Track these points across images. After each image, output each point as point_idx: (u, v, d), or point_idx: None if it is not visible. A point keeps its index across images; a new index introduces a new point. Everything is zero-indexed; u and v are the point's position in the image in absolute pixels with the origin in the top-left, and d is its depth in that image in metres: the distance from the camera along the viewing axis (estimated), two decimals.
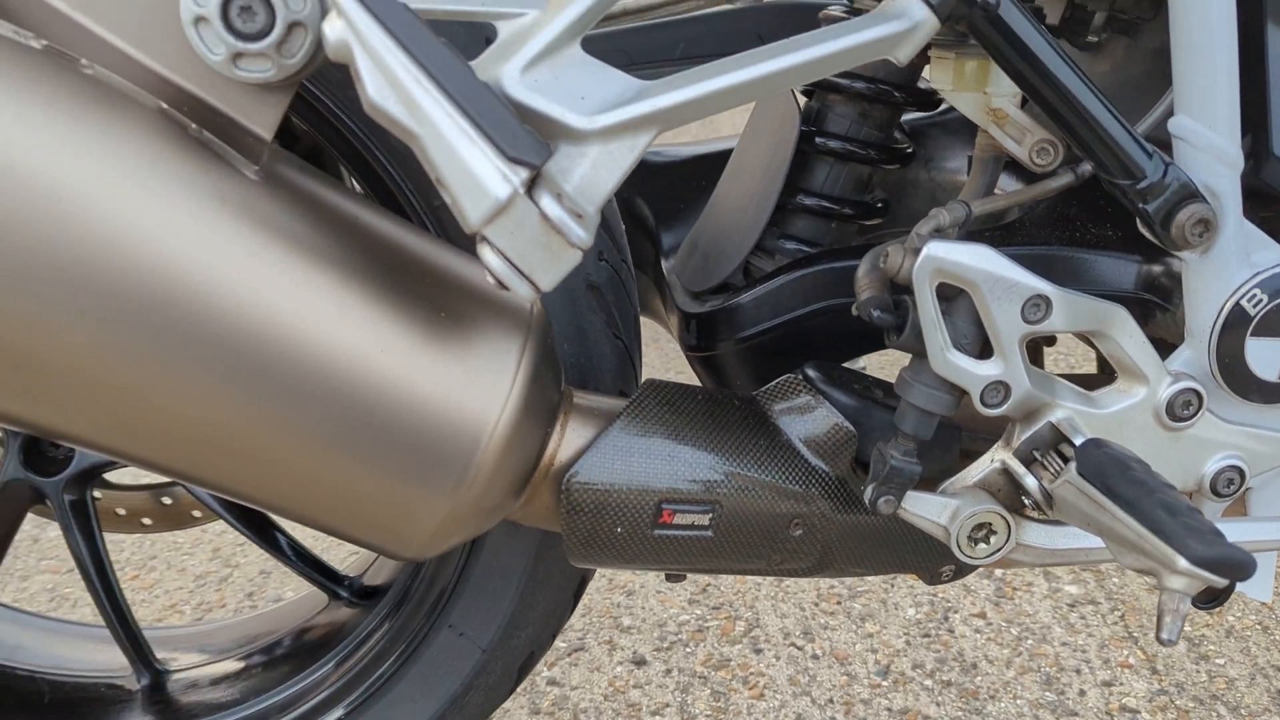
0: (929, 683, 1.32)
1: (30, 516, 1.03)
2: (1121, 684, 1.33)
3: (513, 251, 0.57)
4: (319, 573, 1.07)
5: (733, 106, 0.63)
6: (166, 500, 1.13)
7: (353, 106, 0.79)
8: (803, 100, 0.98)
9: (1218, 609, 1.18)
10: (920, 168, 1.02)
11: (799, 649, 1.37)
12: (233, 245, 0.58)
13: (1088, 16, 0.87)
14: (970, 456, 0.82)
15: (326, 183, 0.67)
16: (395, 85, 0.55)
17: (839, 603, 1.46)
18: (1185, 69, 0.70)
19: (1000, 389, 0.71)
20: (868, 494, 0.75)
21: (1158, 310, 0.82)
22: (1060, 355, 2.04)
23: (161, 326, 0.57)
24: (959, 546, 0.76)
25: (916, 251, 0.68)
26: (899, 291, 0.72)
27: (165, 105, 0.59)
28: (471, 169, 0.55)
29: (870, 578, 1.51)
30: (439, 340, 0.63)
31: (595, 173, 0.60)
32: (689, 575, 0.78)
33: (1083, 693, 1.31)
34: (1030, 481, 0.74)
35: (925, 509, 0.75)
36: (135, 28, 0.58)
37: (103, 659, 1.09)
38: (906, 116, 1.02)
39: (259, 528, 1.07)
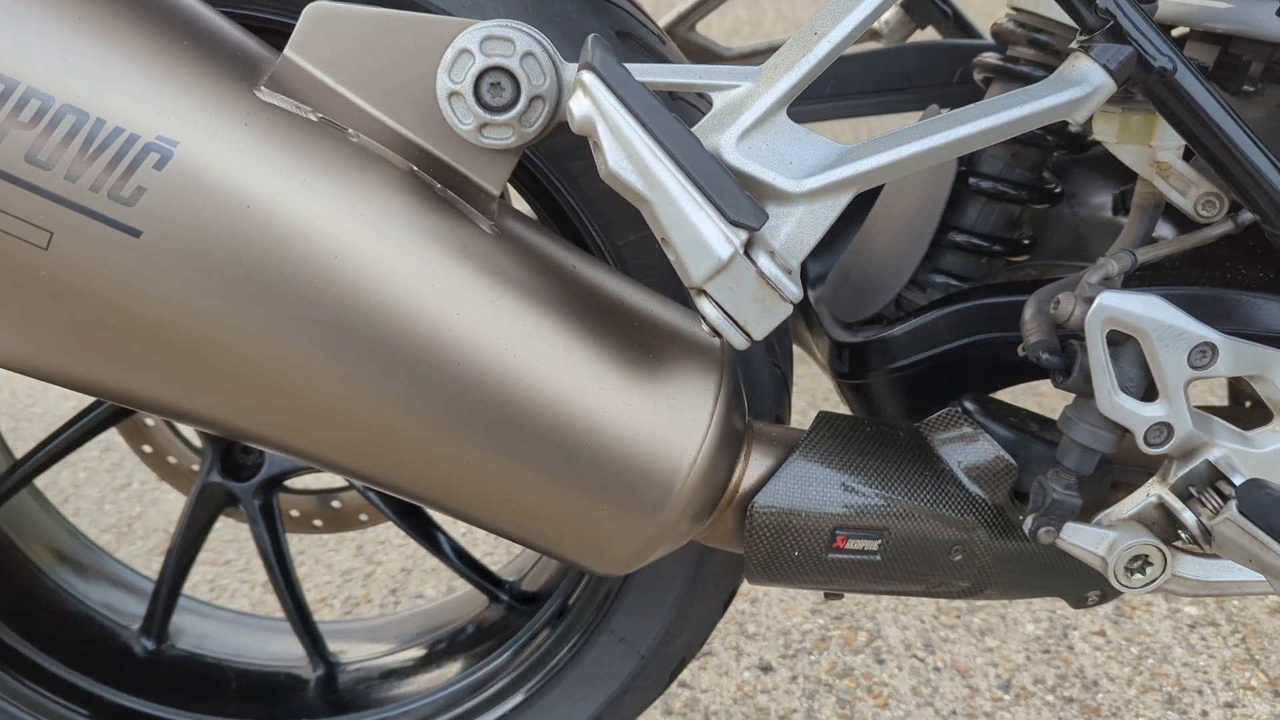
0: (1050, 698, 1.35)
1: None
2: (1244, 706, 1.35)
3: (730, 305, 0.63)
4: (479, 575, 1.15)
5: (924, 167, 0.68)
6: (336, 504, 1.22)
7: (545, 155, 0.85)
8: None
9: None
10: (1063, 204, 1.05)
11: (920, 660, 1.41)
12: (476, 295, 0.65)
13: (1243, 65, 0.89)
14: (1119, 488, 0.86)
15: (546, 233, 0.73)
16: (632, 156, 0.61)
17: (958, 616, 1.49)
18: None
19: (1164, 429, 0.75)
20: (1028, 524, 0.79)
21: None
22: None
23: (415, 367, 0.64)
24: (1116, 577, 0.80)
25: (1089, 300, 0.72)
26: (1066, 335, 0.77)
27: (415, 167, 0.67)
28: (697, 231, 0.61)
29: None
30: (648, 379, 0.69)
31: (800, 231, 0.65)
32: (761, 578, 0.83)
33: (1205, 713, 1.33)
34: (1188, 517, 0.77)
35: (1084, 540, 0.79)
36: (393, 101, 0.66)
37: (280, 649, 1.18)
38: None
39: (423, 531, 1.16)
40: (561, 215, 0.89)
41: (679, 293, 0.87)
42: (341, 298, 0.62)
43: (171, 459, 1.18)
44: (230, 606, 1.39)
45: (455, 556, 1.16)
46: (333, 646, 1.16)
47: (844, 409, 1.05)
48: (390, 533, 1.65)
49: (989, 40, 1.16)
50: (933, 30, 1.24)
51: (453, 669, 1.11)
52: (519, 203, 0.93)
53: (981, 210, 0.99)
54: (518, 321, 0.66)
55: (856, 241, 1.08)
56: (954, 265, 1.00)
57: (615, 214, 0.86)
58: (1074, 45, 0.71)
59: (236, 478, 1.11)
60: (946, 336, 0.95)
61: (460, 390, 0.65)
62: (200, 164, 0.59)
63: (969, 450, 0.83)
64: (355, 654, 1.17)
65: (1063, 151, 1.01)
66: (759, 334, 0.63)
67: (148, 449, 1.17)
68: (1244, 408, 1.10)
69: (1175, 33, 0.95)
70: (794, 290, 0.63)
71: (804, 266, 1.16)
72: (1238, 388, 1.09)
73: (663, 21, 1.26)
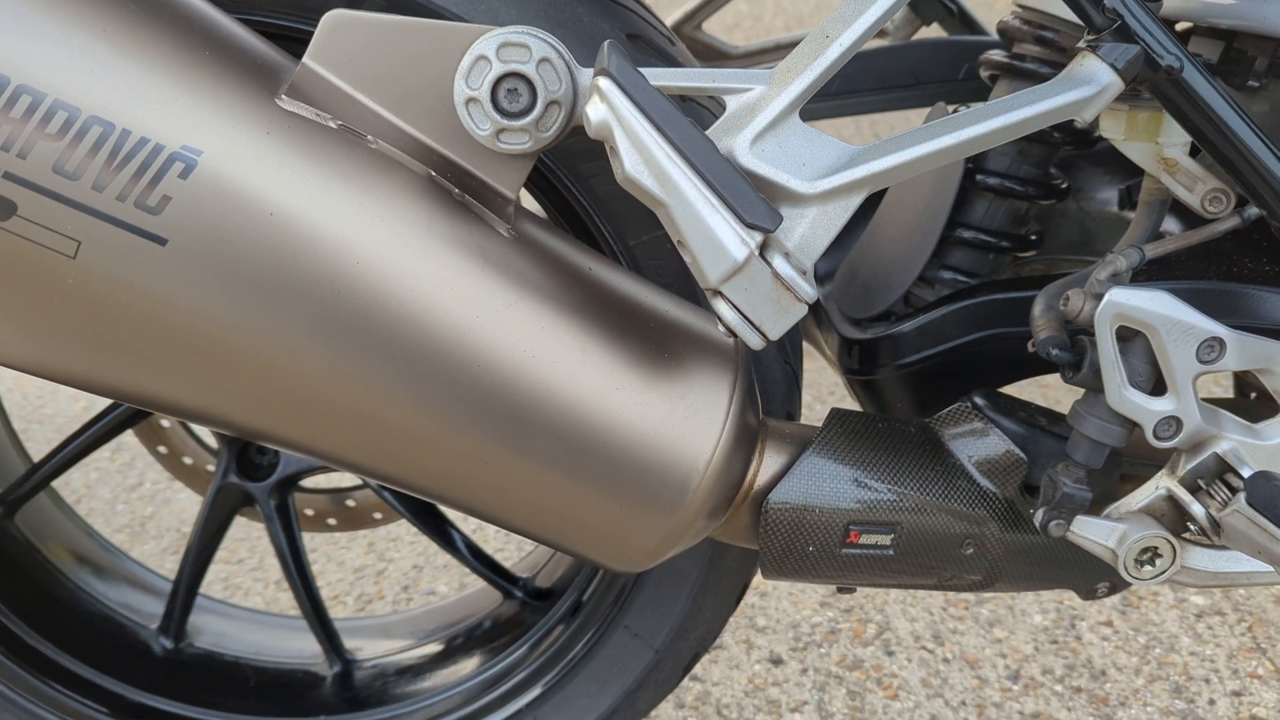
0: (1059, 688, 1.36)
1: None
2: (1251, 694, 1.36)
3: (746, 306, 0.64)
4: (494, 572, 1.16)
5: (934, 167, 0.69)
6: (350, 503, 1.23)
7: (558, 157, 0.86)
8: None
9: None
10: (1069, 199, 1.06)
11: (930, 652, 1.42)
12: (494, 298, 0.66)
13: (1248, 60, 0.90)
14: (1127, 481, 0.87)
15: (562, 235, 0.74)
16: (649, 161, 0.62)
17: (967, 608, 1.50)
18: None
19: (1173, 423, 0.76)
20: (1038, 517, 0.80)
21: None
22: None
23: (436, 369, 0.65)
24: (1126, 569, 0.81)
25: (1098, 297, 0.73)
26: (1075, 331, 0.77)
27: (433, 173, 0.68)
28: (713, 233, 0.62)
29: None
30: (664, 379, 0.70)
31: (814, 232, 0.66)
32: (775, 573, 0.84)
33: (1212, 702, 1.35)
34: (1197, 509, 0.78)
35: (1094, 532, 0.80)
36: (410, 107, 0.67)
37: (297, 646, 1.19)
38: None
39: (437, 528, 1.17)
40: (574, 216, 0.90)
41: (691, 292, 0.89)
42: (363, 302, 0.63)
43: (187, 459, 1.19)
44: (245, 605, 1.41)
45: (469, 553, 1.17)
46: (349, 643, 1.17)
47: (851, 404, 1.06)
48: (402, 530, 1.67)
49: (994, 37, 1.17)
50: (938, 27, 1.25)
51: (468, 665, 1.12)
52: (531, 204, 0.94)
53: (989, 206, 1.00)
54: (536, 324, 0.67)
55: (865, 238, 1.09)
56: (962, 261, 1.01)
57: (627, 214, 0.87)
58: (1081, 44, 0.72)
59: (252, 478, 1.12)
60: (955, 332, 0.96)
61: (480, 392, 0.66)
62: (224, 172, 0.60)
63: (980, 445, 0.84)
64: (371, 650, 1.18)
65: (1069, 147, 1.02)
66: (775, 334, 0.64)
67: (163, 450, 1.18)
68: (1249, 399, 1.11)
69: (1179, 27, 0.96)
70: (809, 291, 0.64)
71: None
72: (1243, 379, 1.10)
73: (669, 20, 1.27)
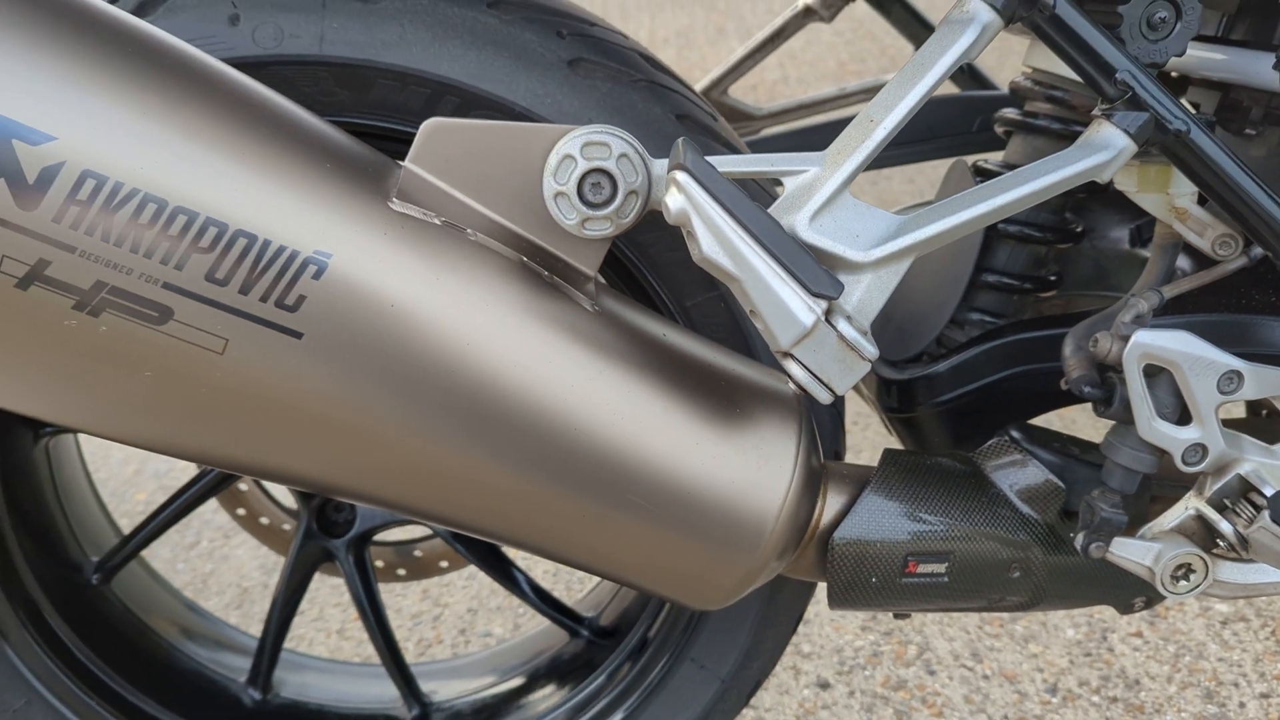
0: (1096, 699, 1.43)
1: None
2: (1279, 695, 1.42)
3: (815, 366, 0.71)
4: (559, 612, 1.23)
5: (971, 231, 0.77)
6: (418, 553, 1.30)
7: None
8: None
9: None
10: (1084, 240, 1.14)
11: (969, 670, 1.49)
12: (585, 368, 0.74)
13: (1244, 110, 0.98)
14: (1157, 502, 0.94)
15: (637, 306, 0.82)
16: (723, 242, 0.70)
17: (1001, 625, 1.57)
18: None
19: (1199, 450, 0.84)
20: (1079, 540, 0.87)
21: None
22: None
23: (539, 435, 0.73)
24: (1163, 585, 0.88)
25: (1125, 339, 0.81)
26: (1104, 369, 0.85)
27: (524, 258, 0.75)
28: (783, 303, 0.70)
29: None
30: (737, 432, 0.78)
31: (869, 295, 0.74)
32: (842, 604, 0.91)
33: (1243, 705, 1.41)
34: (1225, 527, 0.86)
35: (1131, 552, 0.87)
36: (502, 201, 0.74)
37: (376, 692, 1.26)
38: None
39: (502, 571, 1.23)
40: (633, 280, 0.97)
41: (745, 348, 0.96)
42: (474, 378, 0.71)
43: (264, 520, 1.26)
44: (315, 655, 1.47)
45: (534, 594, 1.24)
46: (425, 687, 1.23)
47: (891, 441, 1.14)
48: (454, 574, 1.73)
49: (1003, 91, 1.25)
50: (950, 84, 1.33)
51: (540, 702, 1.19)
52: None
53: (1011, 252, 1.07)
54: (623, 389, 0.75)
55: (898, 287, 1.17)
56: (989, 304, 1.09)
57: (683, 279, 0.95)
58: (1096, 113, 0.80)
59: (331, 534, 1.19)
60: (987, 370, 1.03)
61: (577, 453, 0.74)
62: (350, 271, 0.68)
63: (1020, 475, 0.91)
64: (446, 692, 1.25)
65: (1081, 194, 1.10)
66: (841, 390, 0.72)
67: (241, 512, 1.25)
68: (1262, 417, 1.19)
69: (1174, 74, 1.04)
70: (872, 350, 0.71)
71: None
72: (1256, 400, 1.17)
73: (698, 86, 1.35)
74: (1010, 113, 1.08)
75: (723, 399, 0.79)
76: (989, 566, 0.89)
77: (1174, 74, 1.05)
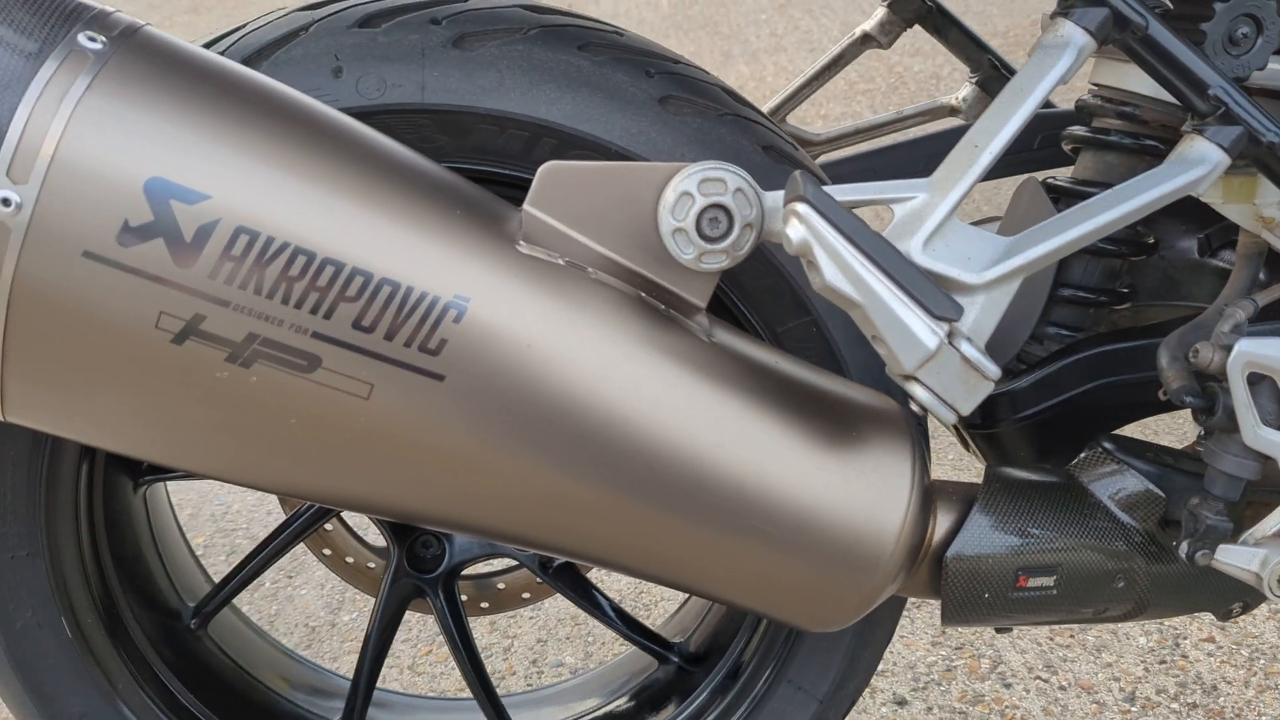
0: (1175, 706, 1.43)
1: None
2: None
3: (939, 387, 0.73)
4: (646, 638, 1.24)
5: (1076, 250, 0.79)
6: (501, 585, 1.31)
7: None
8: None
9: None
10: (1155, 250, 1.15)
11: (1045, 681, 1.49)
12: (709, 399, 0.76)
13: None
14: (1250, 507, 0.96)
15: (747, 335, 0.84)
16: (845, 270, 0.72)
17: (1072, 636, 1.58)
18: None
19: None
20: (1184, 549, 0.89)
21: None
22: None
23: (670, 466, 0.74)
24: (1270, 589, 0.89)
25: (1227, 348, 0.82)
26: (1203, 378, 0.87)
27: (641, 293, 0.77)
28: (907, 327, 0.72)
29: None
30: (855, 455, 0.79)
31: (983, 316, 0.76)
32: (955, 621, 0.92)
33: None
34: None
35: (1237, 559, 0.88)
36: (618, 239, 0.76)
37: None
38: None
39: (588, 598, 1.24)
40: (723, 306, 0.99)
41: (838, 370, 0.98)
42: (604, 412, 0.73)
43: (349, 559, 1.27)
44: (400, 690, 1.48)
45: (621, 621, 1.25)
46: (516, 718, 1.24)
47: (964, 455, 1.15)
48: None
49: (1058, 109, 1.27)
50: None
51: None
52: None
53: (1086, 266, 1.09)
54: (745, 418, 0.76)
55: None
56: (1066, 318, 1.10)
57: (773, 305, 0.97)
58: (1187, 129, 0.82)
59: (420, 570, 1.20)
60: (1071, 384, 1.05)
61: (705, 483, 0.75)
62: (488, 314, 0.70)
63: (1120, 485, 0.93)
64: None
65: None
66: (966, 410, 0.73)
67: (327, 552, 1.27)
68: None
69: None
70: (994, 369, 0.73)
71: None
72: None
73: None
74: (1078, 130, 1.10)
75: (838, 423, 0.80)
76: (1095, 577, 0.90)
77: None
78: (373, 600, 1.22)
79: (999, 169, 1.29)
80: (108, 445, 0.74)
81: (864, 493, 0.79)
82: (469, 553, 1.19)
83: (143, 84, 0.64)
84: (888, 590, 0.84)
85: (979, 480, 0.92)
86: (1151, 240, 1.12)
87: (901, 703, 1.48)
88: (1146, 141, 1.06)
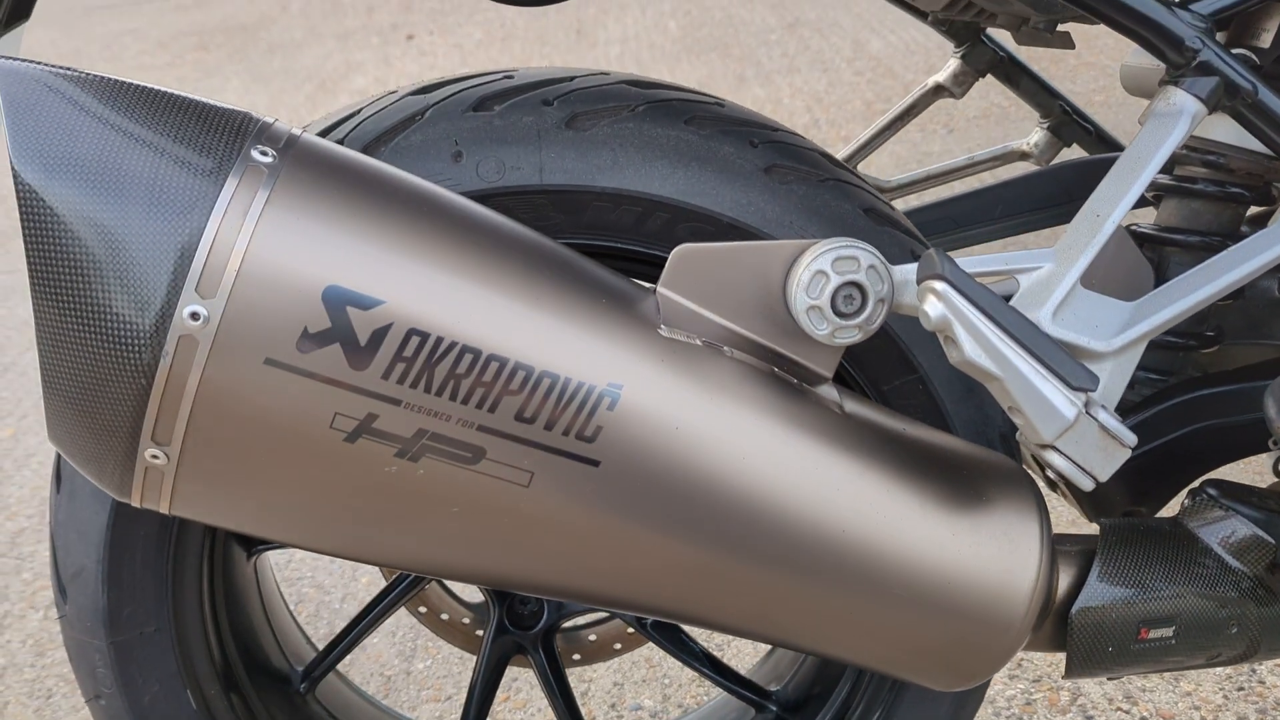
0: None
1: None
2: None
3: (1078, 456, 0.75)
4: (743, 687, 1.25)
5: (1200, 309, 0.81)
6: (593, 637, 1.33)
7: None
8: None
9: None
10: (1241, 292, 1.17)
11: (1126, 712, 1.51)
12: (849, 472, 0.78)
13: None
14: None
15: (875, 404, 0.86)
16: (984, 345, 0.74)
17: None
18: None
19: None
20: None
21: None
22: None
23: (814, 540, 0.76)
24: None
25: None
26: None
27: (775, 369, 0.79)
28: (1045, 399, 0.74)
29: None
30: (986, 519, 0.81)
31: (1113, 382, 0.78)
32: (1079, 674, 0.94)
33: None
34: None
35: None
36: (750, 316, 0.78)
37: None
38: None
39: (681, 647, 1.26)
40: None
41: (946, 427, 0.99)
42: (750, 489, 0.75)
43: (444, 616, 1.29)
44: None
45: (714, 670, 1.26)
46: None
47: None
48: None
49: None
50: (1079, 148, 1.38)
51: None
52: None
53: None
54: (883, 488, 0.78)
55: None
56: (1157, 362, 1.12)
57: (880, 364, 0.99)
58: None
59: (520, 627, 1.22)
60: (1168, 429, 1.07)
61: (846, 552, 0.77)
62: (639, 399, 0.72)
63: (1227, 531, 0.94)
64: None
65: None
66: (1104, 476, 0.75)
67: (423, 610, 1.28)
68: None
69: None
70: (1131, 437, 0.75)
71: None
72: None
73: None
74: (1162, 178, 1.12)
75: (968, 486, 0.82)
76: (1211, 625, 0.92)
77: None
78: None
79: (1007, 230, 1.32)
80: (268, 535, 0.76)
81: (998, 554, 0.80)
82: (568, 609, 1.21)
83: (313, 194, 0.67)
84: (1018, 649, 0.86)
85: (1073, 528, 0.94)
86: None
87: None
88: (1232, 190, 1.08)
